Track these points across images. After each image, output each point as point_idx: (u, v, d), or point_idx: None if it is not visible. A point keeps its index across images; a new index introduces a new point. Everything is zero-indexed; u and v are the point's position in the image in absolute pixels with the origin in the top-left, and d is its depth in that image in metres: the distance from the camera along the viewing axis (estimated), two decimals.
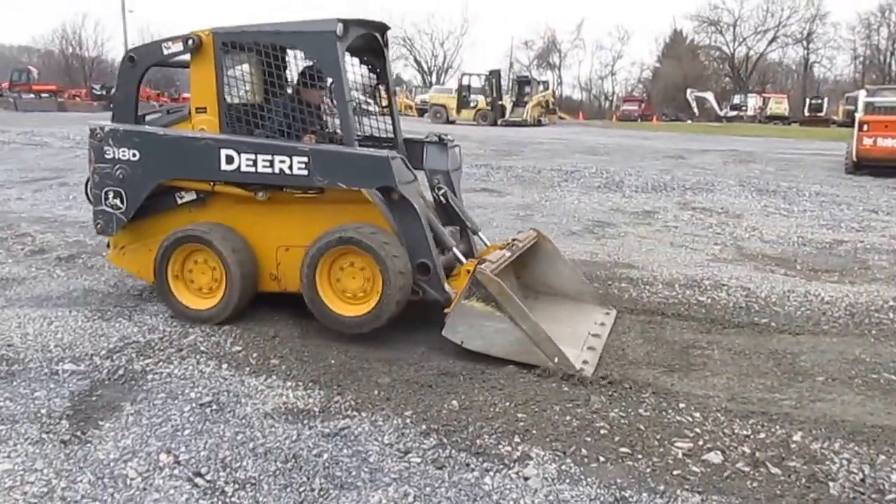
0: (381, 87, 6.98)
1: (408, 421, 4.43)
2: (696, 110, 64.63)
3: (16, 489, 3.64)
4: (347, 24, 5.87)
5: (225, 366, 5.21)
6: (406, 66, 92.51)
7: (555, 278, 6.87)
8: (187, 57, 6.15)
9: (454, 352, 5.46)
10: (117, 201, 6.27)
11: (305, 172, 5.68)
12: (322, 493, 3.67)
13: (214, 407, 4.57)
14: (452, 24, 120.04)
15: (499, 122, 43.10)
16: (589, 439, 4.27)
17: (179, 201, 6.32)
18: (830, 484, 3.89)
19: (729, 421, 4.56)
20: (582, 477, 3.88)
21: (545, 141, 28.61)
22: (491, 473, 3.89)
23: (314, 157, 5.65)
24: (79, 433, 4.21)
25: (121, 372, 5.09)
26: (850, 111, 35.81)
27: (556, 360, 5.18)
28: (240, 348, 5.52)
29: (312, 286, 5.73)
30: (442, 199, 6.69)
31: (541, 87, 49.01)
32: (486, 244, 6.82)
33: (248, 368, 5.18)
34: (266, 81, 6.10)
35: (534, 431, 4.33)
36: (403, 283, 5.55)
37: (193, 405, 4.58)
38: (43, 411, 4.48)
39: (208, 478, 3.77)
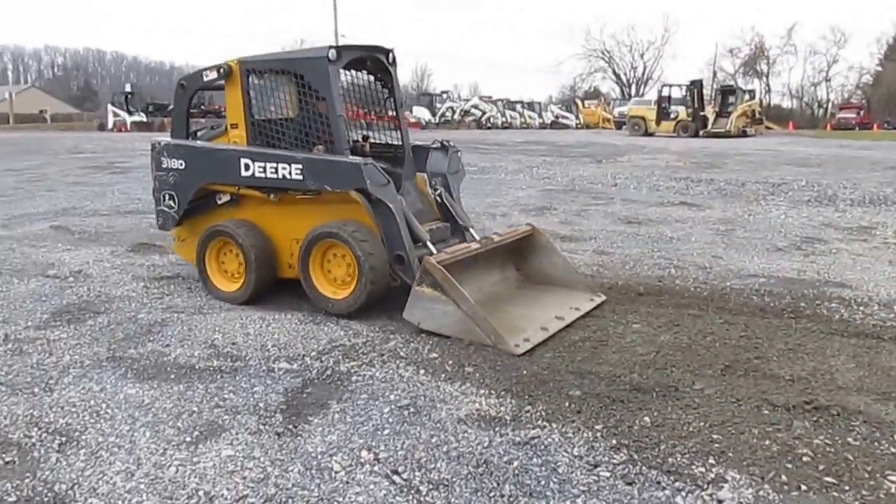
0: (391, 101, 7.82)
1: (598, 434, 4.45)
2: None
3: (237, 474, 4.00)
4: (340, 49, 6.94)
5: (422, 371, 5.45)
6: (604, 79, 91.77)
7: (550, 269, 7.50)
8: (223, 82, 7.30)
9: (647, 368, 5.46)
10: (171, 202, 7.66)
11: (301, 177, 6.71)
12: (511, 499, 3.78)
13: (412, 410, 4.80)
14: (653, 35, 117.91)
15: (700, 133, 41.93)
16: (790, 466, 4.10)
17: (219, 202, 7.56)
18: None
19: None
20: None
21: (750, 152, 27.62)
22: (683, 494, 3.83)
23: (306, 165, 6.69)
24: (291, 426, 4.56)
25: (329, 372, 5.46)
26: None
27: (491, 337, 5.84)
28: (436, 355, 5.74)
29: (307, 272, 6.87)
30: (437, 198, 7.59)
31: (746, 97, 47.25)
32: (475, 238, 7.35)
33: (443, 375, 5.39)
34: (281, 100, 7.18)
35: (730, 454, 4.22)
36: (374, 262, 6.47)
37: (393, 407, 4.85)
38: (261, 405, 4.89)
39: (405, 476, 3.99)
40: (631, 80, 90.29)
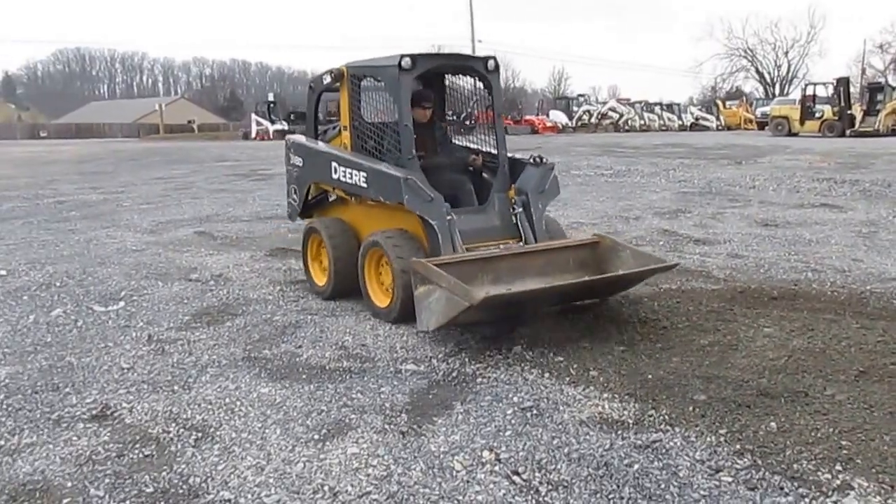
0: (489, 107, 7.58)
1: (721, 439, 4.39)
2: None
3: (360, 471, 4.13)
4: (416, 58, 6.79)
5: (546, 374, 5.48)
6: (747, 79, 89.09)
7: (620, 265, 6.92)
8: (337, 85, 7.60)
9: (777, 373, 5.33)
10: (294, 195, 8.33)
11: (365, 185, 6.89)
12: (630, 501, 3.77)
13: (534, 412, 4.84)
14: (798, 32, 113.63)
15: (847, 132, 40.11)
16: None
17: (330, 200, 8.00)
18: None
19: None
20: None
21: None
22: (807, 500, 3.74)
23: (368, 174, 6.84)
24: (415, 426, 4.67)
25: (454, 374, 5.55)
26: None
27: (466, 296, 5.55)
28: (561, 359, 5.75)
29: (362, 276, 7.09)
30: (513, 218, 7.16)
31: None
32: None
33: (567, 378, 5.40)
34: (378, 105, 7.37)
35: (858, 461, 4.09)
36: (408, 280, 6.25)
37: (515, 409, 4.89)
38: (387, 405, 5.02)
39: (525, 477, 4.03)
40: (775, 79, 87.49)
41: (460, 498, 3.84)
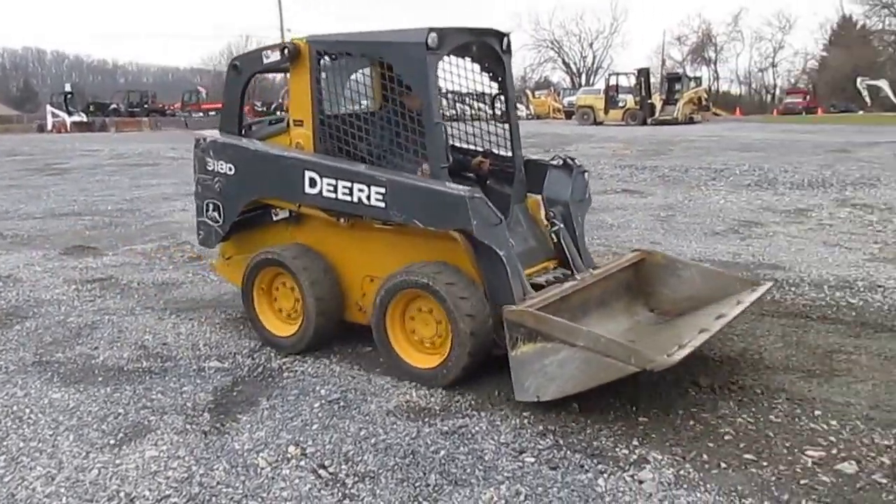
0: (501, 98, 6.19)
1: (525, 421, 4.51)
2: (867, 100, 58.72)
3: (160, 474, 3.97)
4: (444, 33, 5.25)
5: (355, 366, 5.47)
6: (554, 69, 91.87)
7: (685, 287, 5.92)
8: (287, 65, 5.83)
9: None
10: (215, 214, 6.16)
11: (382, 205, 5.19)
12: (436, 488, 3.81)
13: (342, 404, 4.81)
14: (601, 24, 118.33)
15: (648, 121, 42.14)
16: (711, 445, 4.21)
17: (275, 218, 6.13)
18: None
19: (869, 430, 4.37)
20: (700, 482, 3.82)
21: (696, 139, 27.86)
22: (605, 476, 3.91)
23: (392, 189, 5.15)
24: (218, 425, 4.54)
25: (260, 369, 5.44)
26: None
27: (632, 360, 4.29)
28: (370, 349, 5.69)
29: (382, 327, 5.32)
30: (553, 236, 5.89)
31: (693, 84, 47.64)
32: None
33: (377, 369, 5.39)
34: (361, 93, 5.84)
35: (653, 435, 4.32)
36: (475, 328, 4.93)
37: (323, 401, 4.85)
38: (189, 404, 4.86)
39: (331, 470, 3.99)
40: (581, 70, 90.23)
41: (264, 496, 3.76)
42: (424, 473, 3.95)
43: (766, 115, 61.16)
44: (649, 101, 43.48)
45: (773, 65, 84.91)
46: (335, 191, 5.37)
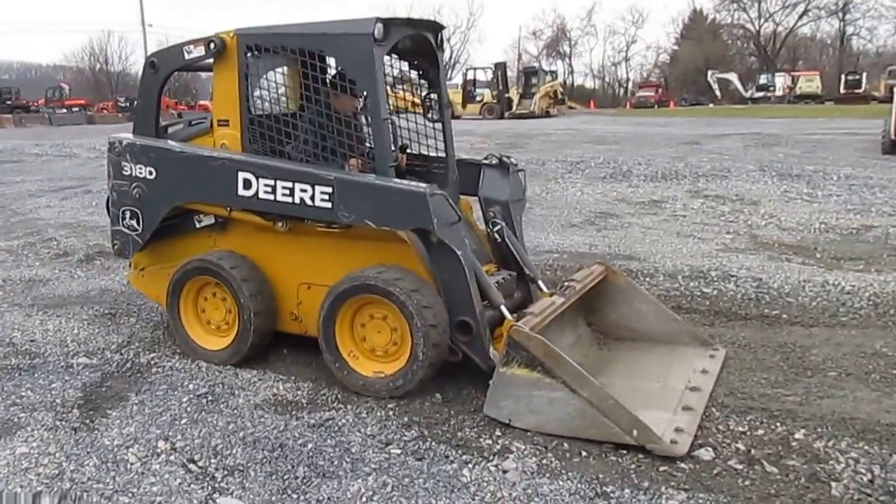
0: (433, 97, 6.00)
1: (391, 413, 4.66)
2: (718, 93, 61.56)
3: (31, 470, 4.02)
4: (389, 24, 5.03)
5: None
6: None
7: (635, 319, 5.72)
8: (211, 61, 5.50)
9: None
10: (133, 222, 5.72)
11: (329, 205, 4.90)
12: (305, 480, 3.94)
13: (210, 398, 4.92)
14: (458, 19, 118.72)
15: (506, 115, 42.49)
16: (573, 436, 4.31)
17: (198, 225, 5.78)
18: (833, 484, 3.77)
19: (724, 417, 4.52)
20: (562, 471, 3.94)
21: (552, 132, 28.21)
22: (470, 466, 4.03)
23: (340, 188, 4.86)
24: (88, 421, 4.60)
25: (129, 365, 5.49)
26: (893, 86, 33.02)
27: (634, 432, 4.12)
28: None
29: (330, 336, 5.05)
30: (497, 236, 5.73)
31: (549, 78, 48.45)
32: (543, 291, 5.66)
33: (244, 363, 5.48)
34: (294, 91, 5.52)
35: (516, 426, 4.43)
36: (437, 339, 4.74)
37: (191, 396, 4.95)
38: (58, 401, 4.89)
39: (200, 464, 4.10)
40: None
41: (135, 491, 3.85)
42: (293, 466, 4.08)
43: (619, 108, 62.55)
44: (506, 95, 43.97)
45: (627, 59, 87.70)
46: (273, 192, 5.05)
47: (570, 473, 3.94)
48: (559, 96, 47.67)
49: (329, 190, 4.86)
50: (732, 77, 62.36)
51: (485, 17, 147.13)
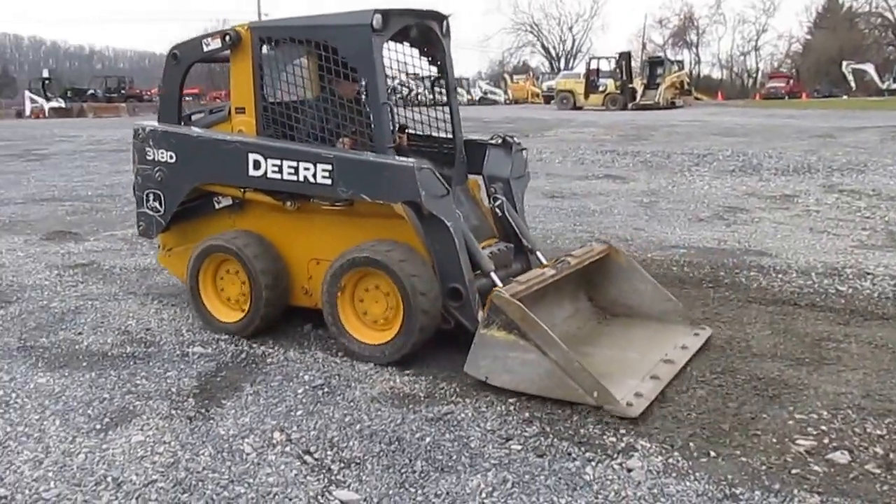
0: (441, 81, 6.36)
1: (511, 408, 4.51)
2: (852, 84, 58.17)
3: (146, 459, 3.98)
4: (388, 14, 5.39)
5: (339, 353, 5.44)
6: (533, 53, 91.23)
7: (633, 297, 6.04)
8: (228, 52, 5.85)
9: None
10: (156, 204, 6.10)
11: (329, 182, 5.27)
12: (423, 475, 3.82)
13: (326, 390, 4.82)
14: (582, 7, 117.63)
15: (629, 105, 41.99)
16: (700, 433, 4.17)
17: (217, 206, 6.14)
18: None
19: (861, 419, 4.33)
20: (690, 471, 3.80)
21: (678, 124, 27.73)
22: (593, 464, 3.89)
23: (338, 165, 5.24)
24: (203, 410, 4.55)
25: (243, 355, 5.45)
26: None
27: (595, 394, 4.47)
28: None
29: (334, 307, 5.42)
30: (497, 211, 6.06)
31: (675, 68, 47.48)
32: (543, 263, 5.90)
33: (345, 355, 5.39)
34: (304, 79, 5.76)
35: (641, 424, 4.29)
36: (427, 306, 5.09)
37: (307, 387, 4.86)
38: (173, 389, 4.86)
39: (316, 456, 4.00)
40: (560, 54, 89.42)
41: (251, 481, 3.76)
42: (410, 460, 3.96)
43: (748, 99, 60.65)
44: (630, 86, 43.35)
45: (756, 48, 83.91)
46: (280, 171, 5.43)
47: (697, 474, 3.79)
48: (685, 87, 46.73)
49: (329, 167, 5.23)
50: (869, 68, 59.26)
51: (609, 5, 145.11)
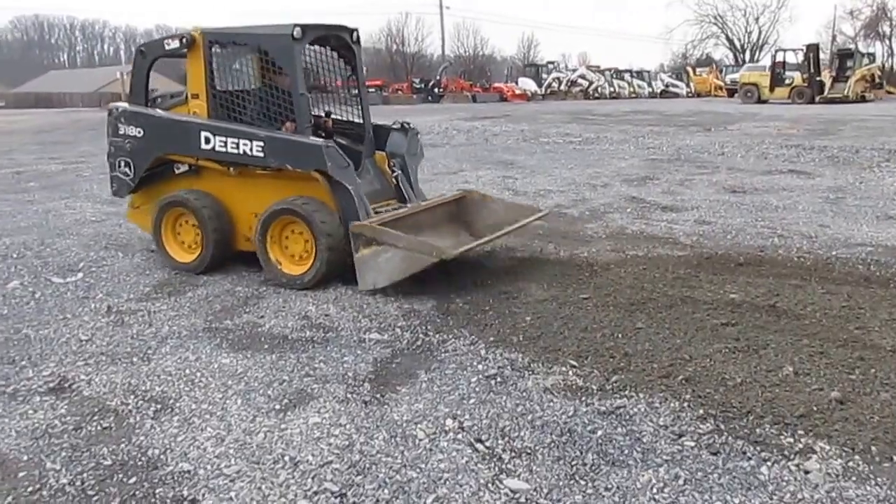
0: (353, 78, 8.02)
1: (685, 404, 4.40)
2: None
3: (322, 440, 4.10)
4: (306, 27, 7.00)
5: (512, 347, 5.41)
6: (717, 45, 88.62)
7: (491, 216, 7.79)
8: (185, 51, 7.39)
9: (733, 339, 5.33)
10: (126, 169, 7.78)
11: (262, 154, 6.90)
12: (593, 468, 3.78)
13: (499, 380, 4.83)
14: None
15: (817, 99, 40.30)
16: (884, 437, 3.98)
17: (177, 171, 7.71)
18: None
19: None
20: (871, 475, 3.64)
21: (868, 118, 26.38)
22: (769, 464, 3.78)
23: (268, 142, 6.87)
24: (378, 395, 4.65)
25: (419, 343, 5.53)
26: None
27: (433, 253, 6.27)
28: (523, 336, 5.65)
29: (264, 246, 7.04)
30: (394, 180, 7.73)
31: (865, 60, 45.13)
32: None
33: (536, 347, 5.37)
34: (244, 73, 7.43)
35: (820, 425, 4.12)
36: (332, 243, 6.67)
37: (480, 377, 4.88)
38: (350, 374, 4.99)
39: (487, 444, 4.02)
40: (745, 46, 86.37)
41: (423, 466, 3.82)
42: (581, 452, 3.92)
43: None
44: (818, 79, 41.55)
45: None
46: (225, 146, 7.07)
47: (879, 479, 3.63)
48: (877, 80, 44.39)
49: (262, 144, 6.91)
50: None
51: None
